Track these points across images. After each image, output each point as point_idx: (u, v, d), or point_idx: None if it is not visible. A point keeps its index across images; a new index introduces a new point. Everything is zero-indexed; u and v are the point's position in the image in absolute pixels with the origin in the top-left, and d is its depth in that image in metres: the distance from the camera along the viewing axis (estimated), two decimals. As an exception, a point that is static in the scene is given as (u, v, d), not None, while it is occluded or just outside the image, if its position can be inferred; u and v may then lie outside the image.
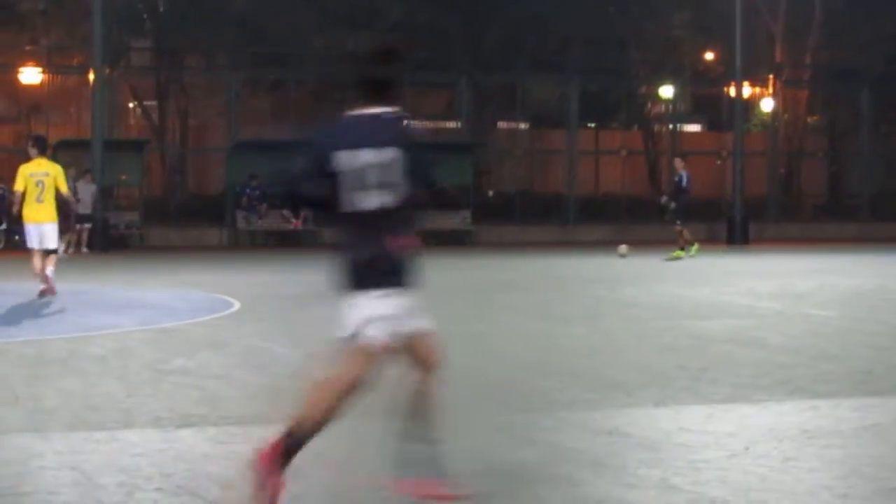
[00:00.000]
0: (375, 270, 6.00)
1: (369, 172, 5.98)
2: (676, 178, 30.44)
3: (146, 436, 8.12)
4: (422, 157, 6.12)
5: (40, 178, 18.39)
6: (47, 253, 18.50)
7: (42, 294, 18.27)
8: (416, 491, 6.24)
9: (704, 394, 9.85)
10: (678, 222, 29.81)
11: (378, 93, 6.14)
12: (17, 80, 41.61)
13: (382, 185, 5.98)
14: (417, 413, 6.31)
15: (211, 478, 6.95)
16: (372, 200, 6.00)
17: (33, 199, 18.36)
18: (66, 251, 30.95)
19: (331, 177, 6.01)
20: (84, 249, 33.07)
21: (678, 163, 30.90)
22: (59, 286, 18.92)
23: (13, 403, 9.41)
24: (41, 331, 14.40)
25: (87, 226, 33.48)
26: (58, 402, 9.40)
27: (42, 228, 18.43)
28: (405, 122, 6.16)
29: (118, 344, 12.96)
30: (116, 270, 25.66)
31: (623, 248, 30.15)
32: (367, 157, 5.97)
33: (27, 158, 18.78)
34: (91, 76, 36.49)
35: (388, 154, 5.99)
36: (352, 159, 5.98)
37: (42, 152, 18.92)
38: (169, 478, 6.93)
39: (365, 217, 6.01)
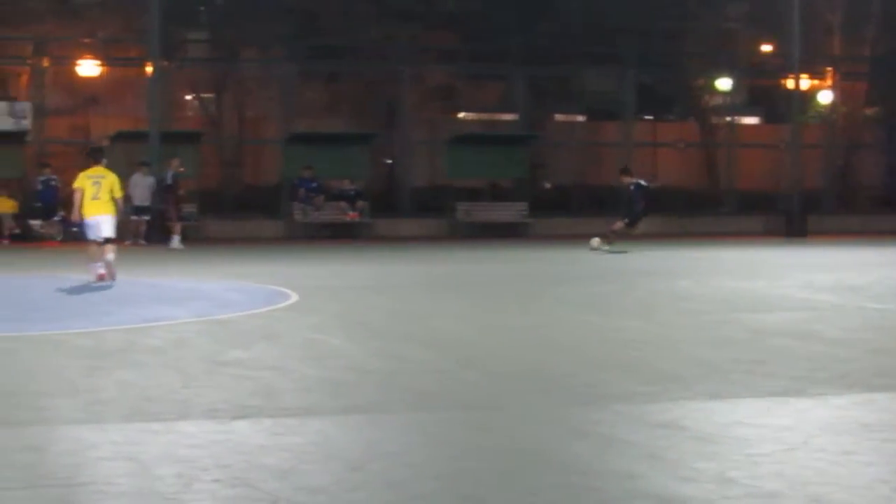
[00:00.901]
0: None
1: None
2: (633, 188, 31.31)
3: (202, 427, 8.15)
4: None
5: (97, 180, 20.05)
6: (106, 242, 19.66)
7: (99, 279, 19.42)
8: None
9: (761, 387, 9.79)
10: (626, 220, 30.74)
11: None
12: (74, 73, 41.92)
13: None
14: None
15: (267, 469, 6.97)
16: None
17: (90, 197, 19.92)
18: (181, 242, 31.56)
19: None
20: (141, 241, 33.31)
21: (624, 178, 31.45)
22: (117, 277, 19.17)
23: (71, 394, 9.47)
24: (99, 322, 14.50)
25: (145, 218, 33.74)
26: (115, 394, 9.46)
27: (99, 219, 19.86)
28: None
29: (175, 335, 13.04)
30: (173, 262, 25.79)
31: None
32: None
33: (84, 151, 20.01)
34: (148, 68, 36.72)
35: None
36: None
37: (97, 161, 20.49)
38: (226, 469, 6.96)
39: None
